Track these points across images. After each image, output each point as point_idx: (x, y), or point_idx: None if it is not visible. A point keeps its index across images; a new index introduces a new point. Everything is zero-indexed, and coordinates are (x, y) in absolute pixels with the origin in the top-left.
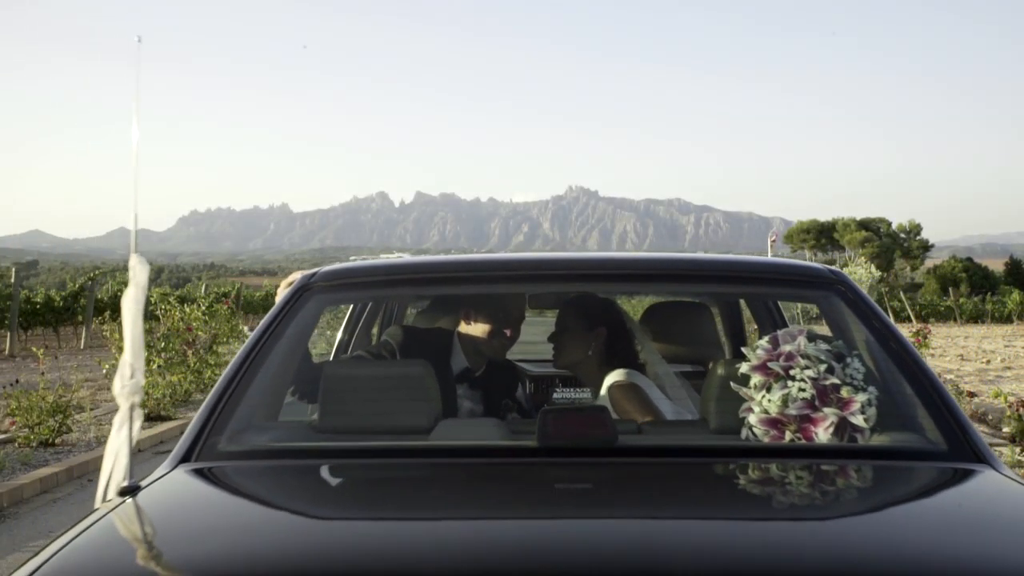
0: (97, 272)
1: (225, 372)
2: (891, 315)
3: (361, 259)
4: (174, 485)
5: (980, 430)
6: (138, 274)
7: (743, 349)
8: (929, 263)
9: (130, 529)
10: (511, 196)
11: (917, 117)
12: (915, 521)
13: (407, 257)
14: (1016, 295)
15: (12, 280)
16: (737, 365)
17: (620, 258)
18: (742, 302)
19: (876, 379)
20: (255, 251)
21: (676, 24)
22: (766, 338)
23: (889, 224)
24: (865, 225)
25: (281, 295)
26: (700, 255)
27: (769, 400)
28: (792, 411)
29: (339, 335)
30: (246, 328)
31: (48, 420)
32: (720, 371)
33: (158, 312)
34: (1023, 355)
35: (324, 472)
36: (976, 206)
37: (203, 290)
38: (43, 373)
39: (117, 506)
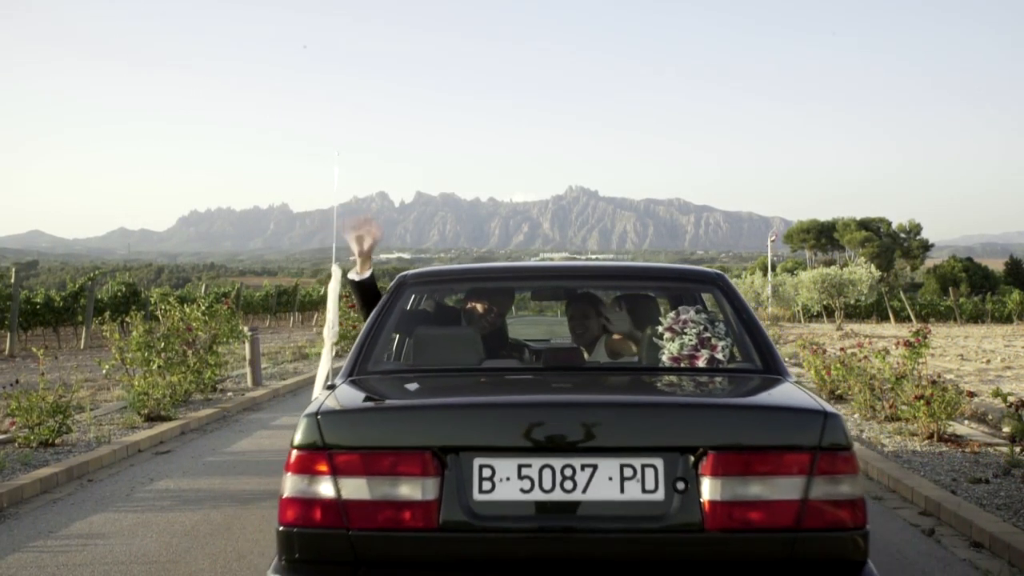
0: (97, 272)
1: (362, 331)
2: (891, 315)
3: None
4: (349, 384)
5: (979, 430)
6: (335, 273)
7: (660, 319)
8: (929, 263)
9: (339, 396)
10: (511, 196)
11: (917, 117)
12: (732, 391)
13: (464, 265)
14: (1016, 295)
15: (12, 280)
16: (658, 328)
17: (589, 266)
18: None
19: (731, 333)
20: (255, 251)
21: (676, 24)
22: (673, 312)
23: (889, 224)
24: (865, 225)
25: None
26: (639, 263)
27: (673, 346)
28: (685, 352)
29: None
30: (246, 328)
31: (48, 420)
32: (649, 332)
33: (158, 312)
34: (1023, 355)
35: (425, 379)
36: (976, 206)
37: (203, 290)
38: (43, 373)
39: (328, 395)
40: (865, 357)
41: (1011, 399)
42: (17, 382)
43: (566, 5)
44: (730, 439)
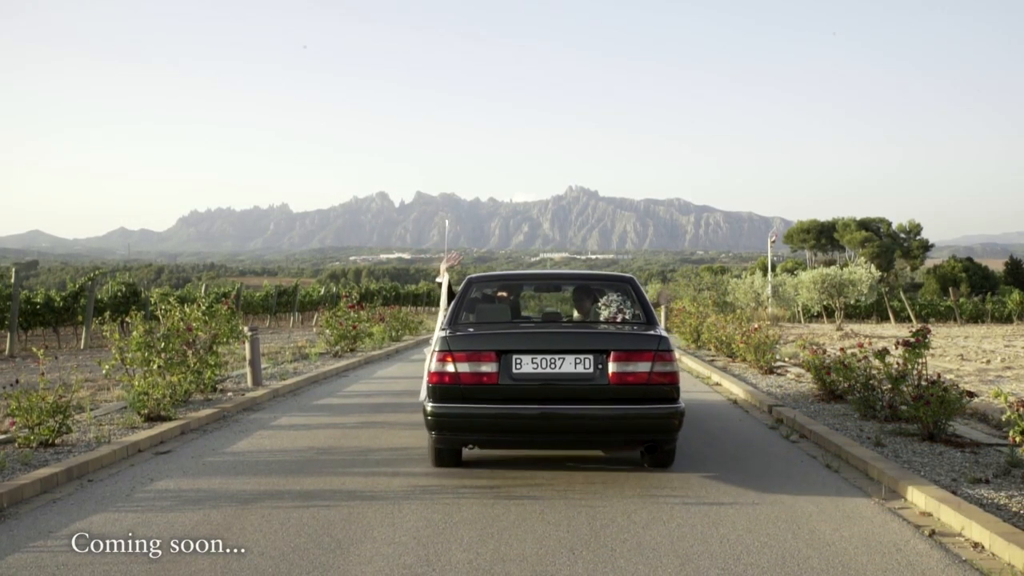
0: (97, 272)
1: (452, 307)
2: (891, 315)
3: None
4: (452, 327)
5: (979, 429)
6: (445, 276)
7: (599, 300)
8: (929, 263)
9: (451, 331)
10: (511, 196)
11: (917, 117)
12: (626, 330)
13: (506, 271)
14: (1016, 295)
15: (12, 280)
16: (599, 303)
17: (567, 273)
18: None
19: (634, 306)
20: (255, 251)
21: (676, 24)
22: (606, 296)
23: (889, 224)
24: (865, 225)
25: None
26: (591, 271)
27: (604, 312)
28: (610, 315)
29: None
30: (246, 328)
31: (48, 420)
32: (593, 306)
33: (158, 312)
34: (1023, 355)
35: (486, 325)
36: (976, 206)
37: (203, 290)
38: (43, 373)
39: (446, 331)
40: (865, 357)
41: (1011, 399)
42: (17, 382)
43: (566, 5)
44: (621, 347)
